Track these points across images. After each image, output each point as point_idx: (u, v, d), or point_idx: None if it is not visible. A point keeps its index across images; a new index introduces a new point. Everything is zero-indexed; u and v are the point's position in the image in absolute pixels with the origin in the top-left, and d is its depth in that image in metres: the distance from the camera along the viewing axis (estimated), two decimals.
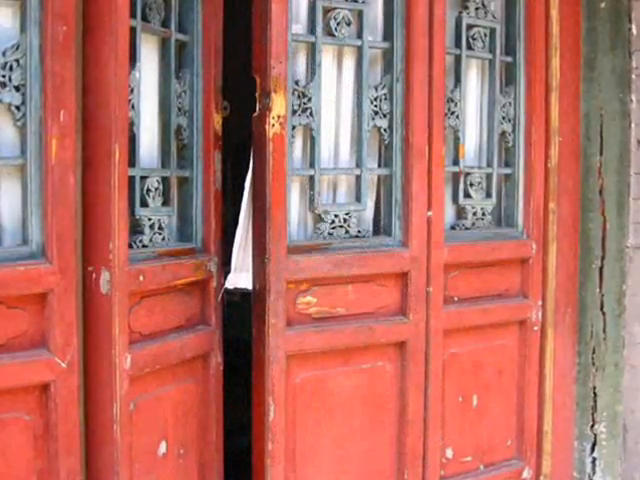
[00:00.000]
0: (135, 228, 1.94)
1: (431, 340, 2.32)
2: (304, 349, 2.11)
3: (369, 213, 2.31)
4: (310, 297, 2.13)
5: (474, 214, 2.50)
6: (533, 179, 2.55)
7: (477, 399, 2.46)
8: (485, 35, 2.47)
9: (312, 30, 2.13)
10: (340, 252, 2.17)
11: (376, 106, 2.24)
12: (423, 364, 2.31)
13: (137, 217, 1.94)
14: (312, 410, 2.15)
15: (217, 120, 2.09)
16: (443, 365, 2.36)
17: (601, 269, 2.64)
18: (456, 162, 2.45)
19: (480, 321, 2.45)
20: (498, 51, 2.50)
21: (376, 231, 2.32)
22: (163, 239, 2.02)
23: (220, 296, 2.11)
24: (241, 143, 2.31)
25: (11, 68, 1.66)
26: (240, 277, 2.12)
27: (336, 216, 2.20)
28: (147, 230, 1.97)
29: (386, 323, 2.25)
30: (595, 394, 2.66)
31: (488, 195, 2.53)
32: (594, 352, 2.65)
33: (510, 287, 2.54)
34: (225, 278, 2.13)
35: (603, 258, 2.63)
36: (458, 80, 2.43)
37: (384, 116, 2.25)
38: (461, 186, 2.46)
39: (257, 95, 2.02)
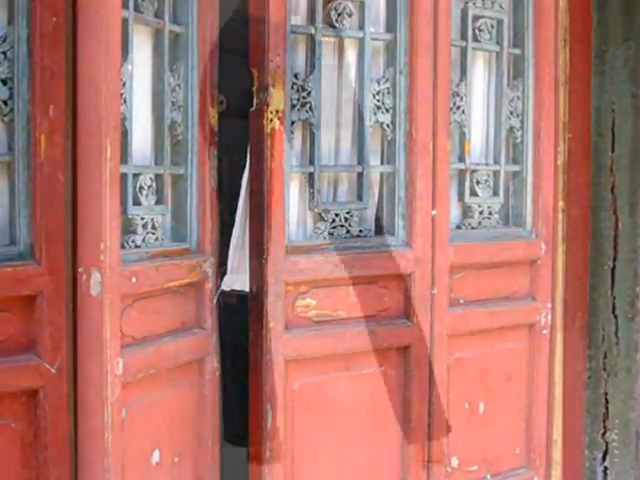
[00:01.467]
0: (127, 228, 1.90)
1: (435, 344, 2.28)
2: (303, 353, 2.08)
3: (371, 212, 2.27)
4: (310, 299, 2.09)
5: (480, 213, 2.46)
6: (542, 177, 2.50)
7: (483, 405, 2.42)
8: (492, 26, 2.42)
9: (312, 21, 2.09)
10: (341, 252, 2.13)
11: (378, 100, 2.20)
12: (427, 369, 2.27)
13: (129, 216, 1.90)
14: (312, 417, 2.11)
15: (213, 115, 2.05)
16: (448, 370, 2.32)
17: (613, 270, 2.59)
18: (462, 159, 2.40)
19: (487, 324, 2.41)
20: (505, 43, 2.45)
21: (378, 231, 2.27)
22: (157, 239, 1.97)
23: (216, 298, 2.08)
24: (238, 139, 2.27)
25: None
26: (237, 279, 2.09)
27: (337, 215, 2.16)
28: (140, 230, 1.93)
29: (389, 326, 2.21)
30: (606, 400, 2.61)
31: (495, 193, 2.49)
32: (605, 357, 2.61)
33: (518, 289, 2.50)
34: (221, 279, 2.09)
35: (615, 259, 2.59)
36: (464, 73, 2.38)
37: (387, 111, 2.21)
38: (467, 184, 2.42)
39: (254, 89, 1.98)
